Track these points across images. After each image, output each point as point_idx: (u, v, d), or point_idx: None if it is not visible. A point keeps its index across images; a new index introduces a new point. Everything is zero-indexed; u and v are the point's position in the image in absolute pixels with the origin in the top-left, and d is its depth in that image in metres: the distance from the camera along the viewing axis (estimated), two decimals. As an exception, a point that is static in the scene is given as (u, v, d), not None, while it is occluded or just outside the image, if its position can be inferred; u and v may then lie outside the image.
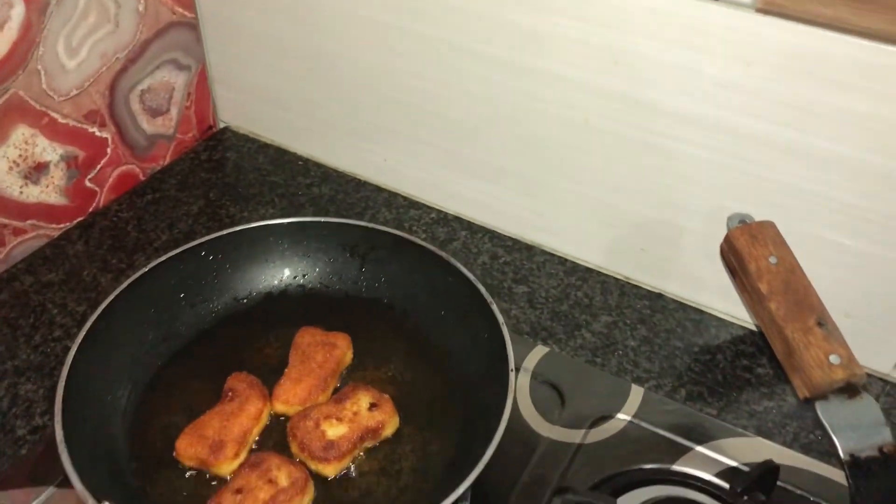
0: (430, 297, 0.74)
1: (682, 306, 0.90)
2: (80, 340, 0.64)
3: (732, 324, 0.88)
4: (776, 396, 0.81)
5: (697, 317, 0.89)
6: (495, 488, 0.70)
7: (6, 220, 0.91)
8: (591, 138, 0.85)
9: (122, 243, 0.96)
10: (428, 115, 0.95)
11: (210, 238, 0.74)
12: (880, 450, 0.61)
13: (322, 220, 0.77)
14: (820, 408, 0.63)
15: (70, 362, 0.62)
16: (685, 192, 0.84)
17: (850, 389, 0.63)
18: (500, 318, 0.68)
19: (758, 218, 0.75)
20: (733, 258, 0.71)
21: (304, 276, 0.78)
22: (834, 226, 0.76)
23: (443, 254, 0.73)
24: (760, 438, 0.76)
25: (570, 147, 0.87)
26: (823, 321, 0.65)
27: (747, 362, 0.84)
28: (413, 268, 0.75)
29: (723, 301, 0.88)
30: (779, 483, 0.70)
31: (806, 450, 0.75)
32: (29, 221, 0.94)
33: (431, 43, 0.88)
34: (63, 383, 0.61)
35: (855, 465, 0.60)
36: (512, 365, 0.64)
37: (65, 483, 0.70)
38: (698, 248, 0.86)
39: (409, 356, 0.73)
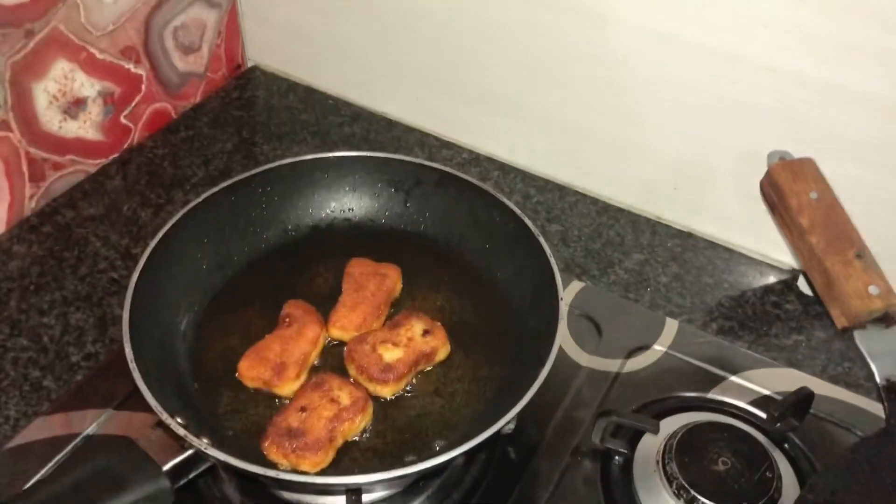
0: (475, 231, 0.76)
1: (711, 245, 0.92)
2: (140, 266, 0.66)
3: (761, 262, 0.90)
4: (804, 331, 0.83)
5: (727, 255, 0.91)
6: (539, 412, 0.73)
7: (46, 155, 0.92)
8: (629, 78, 0.86)
9: (159, 179, 0.98)
10: (462, 52, 0.95)
11: (260, 170, 0.76)
12: (916, 376, 0.64)
13: (368, 154, 0.78)
14: (858, 336, 0.65)
15: (133, 286, 0.64)
16: (720, 131, 0.85)
17: (887, 319, 0.66)
18: (548, 250, 0.70)
19: (795, 156, 0.77)
20: (774, 194, 0.73)
21: (349, 209, 0.79)
22: (869, 165, 0.78)
23: (490, 189, 0.75)
24: (791, 369, 0.78)
25: (607, 87, 0.88)
26: (862, 254, 0.67)
27: (776, 298, 0.87)
28: (458, 202, 0.77)
29: (752, 240, 0.90)
30: (821, 416, 0.73)
31: (834, 381, 0.78)
32: (68, 156, 0.95)
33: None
34: (128, 306, 0.63)
35: (891, 389, 0.63)
36: (561, 294, 0.66)
37: (121, 405, 0.72)
38: (730, 188, 0.88)
39: (455, 287, 0.75)
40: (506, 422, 0.58)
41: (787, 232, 0.72)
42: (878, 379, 0.64)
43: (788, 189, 0.71)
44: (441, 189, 0.77)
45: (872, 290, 0.65)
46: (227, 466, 0.56)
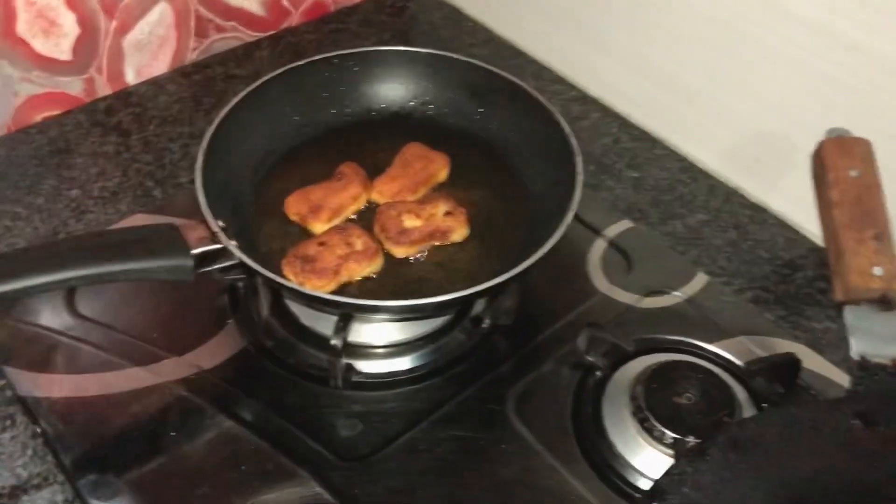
0: (528, 144, 0.82)
1: (781, 223, 0.92)
2: (238, 98, 0.78)
3: (825, 249, 0.89)
4: (840, 320, 0.82)
5: (793, 235, 0.91)
6: (541, 317, 0.79)
7: (212, 16, 1.07)
8: (735, 43, 0.88)
9: (299, 59, 1.10)
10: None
11: (358, 50, 0.86)
12: (893, 361, 0.63)
13: (456, 56, 0.86)
14: (847, 309, 0.65)
15: (225, 112, 0.77)
16: (807, 110, 0.85)
17: (884, 303, 0.65)
18: (579, 168, 0.74)
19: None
20: (818, 166, 0.73)
21: (429, 103, 0.88)
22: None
23: (548, 105, 0.80)
24: (807, 348, 0.78)
25: (714, 49, 0.90)
26: (881, 237, 0.67)
27: (824, 285, 0.86)
28: (522, 115, 0.83)
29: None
30: (812, 392, 0.74)
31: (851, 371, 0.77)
32: (231, 22, 1.10)
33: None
34: (216, 124, 0.75)
35: (862, 368, 0.63)
36: (574, 207, 0.71)
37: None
38: (807, 168, 0.87)
39: (494, 188, 0.81)
40: (495, 283, 0.65)
41: (820, 205, 0.72)
42: (852, 353, 0.64)
43: (831, 163, 0.71)
44: (511, 100, 0.84)
45: (876, 270, 0.65)
46: (245, 268, 0.67)
